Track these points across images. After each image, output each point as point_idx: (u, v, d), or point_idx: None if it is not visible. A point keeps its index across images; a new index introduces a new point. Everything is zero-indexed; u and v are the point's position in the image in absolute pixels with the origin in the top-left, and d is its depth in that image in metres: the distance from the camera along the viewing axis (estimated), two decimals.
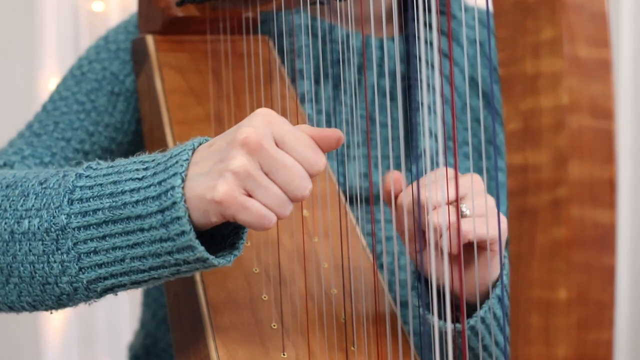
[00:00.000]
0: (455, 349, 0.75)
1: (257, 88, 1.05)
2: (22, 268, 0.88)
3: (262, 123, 0.81)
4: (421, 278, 0.85)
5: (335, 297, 0.95)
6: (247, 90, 1.05)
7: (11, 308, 0.93)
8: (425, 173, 0.93)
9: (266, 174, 0.80)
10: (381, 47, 1.13)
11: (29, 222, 0.87)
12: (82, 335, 2.26)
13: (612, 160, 0.60)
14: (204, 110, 1.05)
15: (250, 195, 0.80)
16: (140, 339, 1.27)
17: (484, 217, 0.86)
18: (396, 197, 0.89)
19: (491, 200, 0.88)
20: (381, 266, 1.07)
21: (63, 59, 2.19)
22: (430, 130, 1.08)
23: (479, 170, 1.14)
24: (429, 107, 1.10)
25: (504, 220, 0.87)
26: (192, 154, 0.83)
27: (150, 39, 1.08)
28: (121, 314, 2.25)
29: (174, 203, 0.80)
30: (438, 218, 0.84)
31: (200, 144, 0.84)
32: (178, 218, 0.80)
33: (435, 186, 0.86)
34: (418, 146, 1.07)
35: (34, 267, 0.87)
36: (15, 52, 2.23)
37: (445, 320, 0.84)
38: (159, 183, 0.81)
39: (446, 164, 0.88)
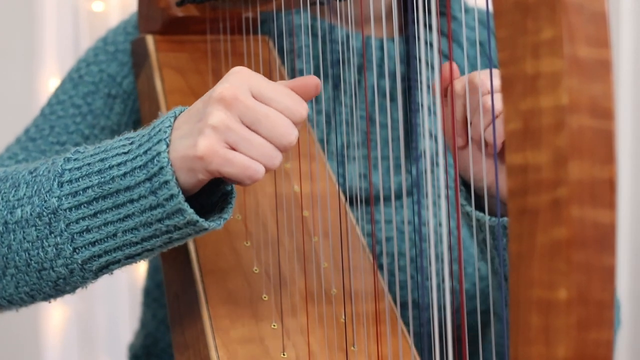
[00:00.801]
0: (455, 340, 0.75)
1: None
2: (17, 257, 0.89)
3: (238, 79, 0.82)
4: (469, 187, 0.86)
5: (335, 297, 0.95)
6: None
7: (10, 302, 0.94)
8: (425, 174, 0.93)
9: (248, 127, 0.81)
10: (381, 48, 1.13)
11: (22, 210, 0.88)
12: (82, 335, 2.26)
13: (612, 160, 0.60)
14: None
15: (234, 149, 0.81)
16: (140, 339, 1.27)
17: None
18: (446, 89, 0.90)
19: None
20: (381, 267, 1.07)
21: (63, 59, 2.19)
22: (429, 131, 1.09)
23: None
24: (429, 108, 1.10)
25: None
26: (174, 120, 0.84)
27: (150, 39, 1.09)
28: (121, 314, 2.25)
29: (161, 168, 0.81)
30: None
31: (182, 111, 0.85)
32: (166, 182, 0.81)
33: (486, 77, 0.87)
34: (418, 147, 1.07)
35: (29, 254, 0.88)
36: (15, 52, 2.23)
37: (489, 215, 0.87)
38: (145, 152, 0.83)
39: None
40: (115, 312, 2.26)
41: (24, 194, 0.88)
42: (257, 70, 1.05)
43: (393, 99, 1.12)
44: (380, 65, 1.13)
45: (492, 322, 0.98)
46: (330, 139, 1.10)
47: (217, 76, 1.07)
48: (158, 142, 0.82)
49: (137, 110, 1.13)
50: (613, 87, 0.60)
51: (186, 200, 0.84)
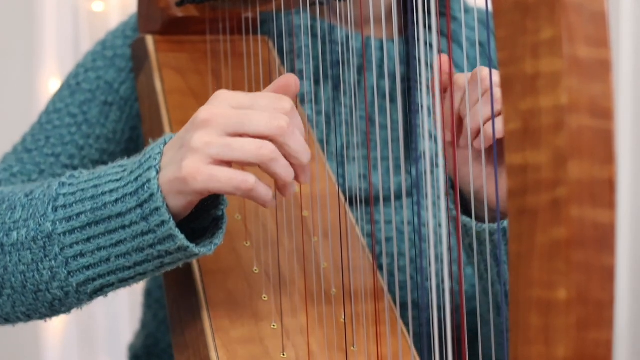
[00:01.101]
0: (454, 336, 0.75)
1: (256, 88, 1.05)
2: (13, 279, 0.91)
3: (217, 100, 0.84)
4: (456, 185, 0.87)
5: (335, 297, 0.95)
6: (246, 91, 1.05)
7: (7, 320, 0.96)
8: (425, 175, 0.93)
9: (232, 135, 0.82)
10: (381, 49, 1.13)
11: (17, 233, 0.90)
12: (82, 335, 2.26)
13: (611, 160, 0.60)
14: None
15: (221, 162, 0.81)
16: (141, 339, 1.27)
17: None
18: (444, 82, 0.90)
19: None
20: (380, 267, 1.07)
21: (63, 59, 2.19)
22: (429, 132, 1.09)
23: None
24: (429, 109, 1.10)
25: None
26: (164, 147, 0.85)
27: (149, 40, 1.08)
28: (121, 314, 2.25)
29: (152, 195, 0.82)
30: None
31: (171, 139, 0.86)
32: (157, 209, 0.82)
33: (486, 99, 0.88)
34: (417, 148, 1.07)
35: (24, 276, 0.90)
36: (15, 52, 2.24)
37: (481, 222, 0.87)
38: (136, 179, 0.84)
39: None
40: (115, 312, 2.26)
41: (20, 217, 0.90)
42: (257, 70, 1.06)
43: (393, 99, 1.12)
44: (380, 66, 1.13)
45: (492, 321, 0.98)
46: (330, 139, 1.10)
47: (217, 76, 1.07)
48: (148, 168, 0.83)
49: (134, 116, 1.13)
50: (613, 87, 0.60)
51: (178, 226, 0.85)
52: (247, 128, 0.82)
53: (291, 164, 0.84)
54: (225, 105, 0.83)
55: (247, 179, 0.81)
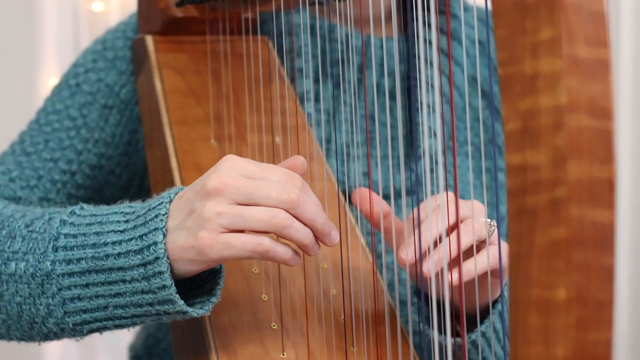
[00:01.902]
0: None
1: (256, 88, 1.05)
2: (9, 307, 0.91)
3: (226, 166, 0.83)
4: (421, 293, 0.85)
5: (334, 297, 0.95)
6: (246, 91, 1.05)
7: (1, 338, 0.98)
8: (425, 173, 0.93)
9: (243, 205, 0.82)
10: (381, 47, 1.13)
11: (16, 264, 0.90)
12: None
13: (611, 160, 0.60)
14: (203, 110, 1.05)
15: (234, 231, 0.81)
16: (141, 339, 1.27)
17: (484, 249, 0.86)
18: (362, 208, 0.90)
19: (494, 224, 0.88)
20: (381, 266, 1.07)
21: (63, 59, 2.19)
22: (430, 129, 1.08)
23: (479, 170, 1.14)
24: (430, 107, 1.10)
25: (505, 246, 0.87)
26: (170, 205, 0.84)
27: (149, 40, 1.08)
28: None
29: (157, 258, 0.83)
30: (430, 267, 0.84)
31: (177, 194, 0.86)
32: (160, 273, 0.83)
33: (436, 214, 0.86)
34: (419, 146, 1.07)
35: (21, 307, 0.90)
36: (15, 52, 2.23)
37: (445, 334, 0.84)
38: (140, 237, 0.84)
39: (446, 188, 0.88)
40: None
41: (19, 249, 0.90)
42: (256, 70, 1.06)
43: (394, 97, 1.12)
44: (381, 64, 1.13)
45: (491, 320, 0.98)
46: (331, 138, 1.10)
47: (217, 76, 1.07)
48: (155, 229, 0.83)
49: (134, 120, 1.12)
50: (612, 87, 0.60)
51: (177, 279, 0.85)
52: (257, 199, 0.81)
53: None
54: (235, 174, 0.82)
55: (261, 242, 0.82)
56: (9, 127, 1.34)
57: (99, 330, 0.90)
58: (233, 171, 0.83)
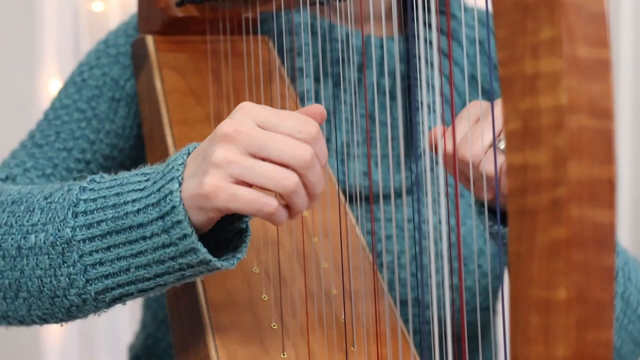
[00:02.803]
0: (454, 341, 0.75)
1: (256, 88, 1.05)
2: (30, 283, 0.89)
3: (241, 113, 0.81)
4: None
5: (335, 297, 0.95)
6: (246, 91, 1.05)
7: (22, 322, 0.94)
8: (425, 172, 0.93)
9: (255, 155, 0.80)
10: (381, 46, 1.13)
11: (35, 236, 0.88)
12: (82, 336, 2.26)
13: (611, 160, 0.60)
14: (203, 110, 1.05)
15: (242, 182, 0.80)
16: (141, 339, 1.27)
17: None
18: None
19: None
20: (381, 265, 1.08)
21: (63, 59, 2.19)
22: (430, 129, 1.09)
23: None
24: (429, 107, 1.10)
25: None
26: (187, 157, 0.83)
27: (149, 40, 1.08)
28: (121, 314, 2.25)
29: (173, 207, 0.81)
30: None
31: (195, 147, 0.84)
32: (179, 222, 0.81)
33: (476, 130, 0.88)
34: (418, 145, 1.07)
35: (41, 281, 0.88)
36: (15, 52, 2.23)
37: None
38: (158, 190, 0.82)
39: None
40: (115, 312, 2.26)
41: (38, 220, 0.88)
42: (257, 70, 1.06)
43: (393, 97, 1.12)
44: (381, 64, 1.13)
45: (491, 319, 0.98)
46: (330, 137, 1.10)
47: (217, 76, 1.07)
48: (171, 180, 0.82)
49: (140, 109, 1.12)
50: (612, 87, 0.60)
51: (200, 238, 0.83)
52: (271, 153, 0.80)
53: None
54: (249, 121, 0.81)
55: (270, 203, 0.80)
56: (8, 127, 1.34)
57: (122, 298, 0.87)
58: (248, 118, 0.81)
